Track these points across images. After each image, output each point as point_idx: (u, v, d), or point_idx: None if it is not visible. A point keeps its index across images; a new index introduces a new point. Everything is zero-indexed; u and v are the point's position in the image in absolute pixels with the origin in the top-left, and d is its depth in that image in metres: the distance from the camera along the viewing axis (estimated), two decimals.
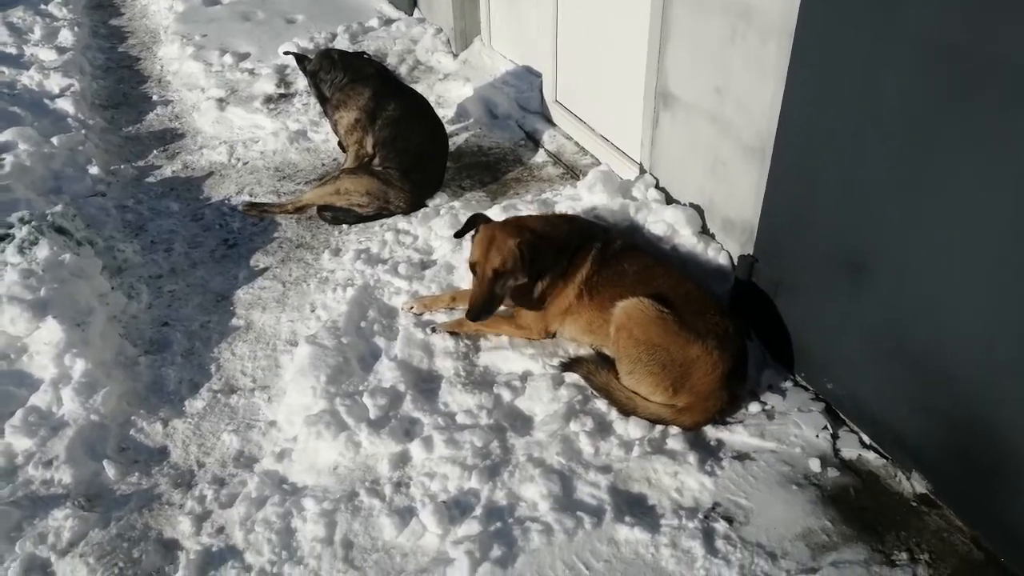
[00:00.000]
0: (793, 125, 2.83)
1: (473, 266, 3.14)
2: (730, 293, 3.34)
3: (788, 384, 3.13)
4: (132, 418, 3.12)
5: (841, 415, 2.97)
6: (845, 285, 2.80)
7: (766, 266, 3.17)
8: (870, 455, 2.83)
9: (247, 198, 4.61)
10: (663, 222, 3.53)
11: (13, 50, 6.24)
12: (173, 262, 4.08)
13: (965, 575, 2.42)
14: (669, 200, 3.73)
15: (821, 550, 2.50)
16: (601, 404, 3.00)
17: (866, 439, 2.88)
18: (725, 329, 2.91)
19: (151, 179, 4.86)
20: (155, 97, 5.91)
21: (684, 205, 3.61)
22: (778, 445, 2.86)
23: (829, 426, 2.91)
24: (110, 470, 2.87)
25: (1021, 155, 2.08)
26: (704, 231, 3.54)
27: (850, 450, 2.85)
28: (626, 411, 2.93)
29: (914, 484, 2.70)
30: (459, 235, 3.34)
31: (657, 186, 3.82)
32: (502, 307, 3.48)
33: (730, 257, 3.41)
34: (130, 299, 3.75)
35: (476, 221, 3.27)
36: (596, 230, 3.28)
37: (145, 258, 4.08)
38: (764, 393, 3.08)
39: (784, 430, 2.91)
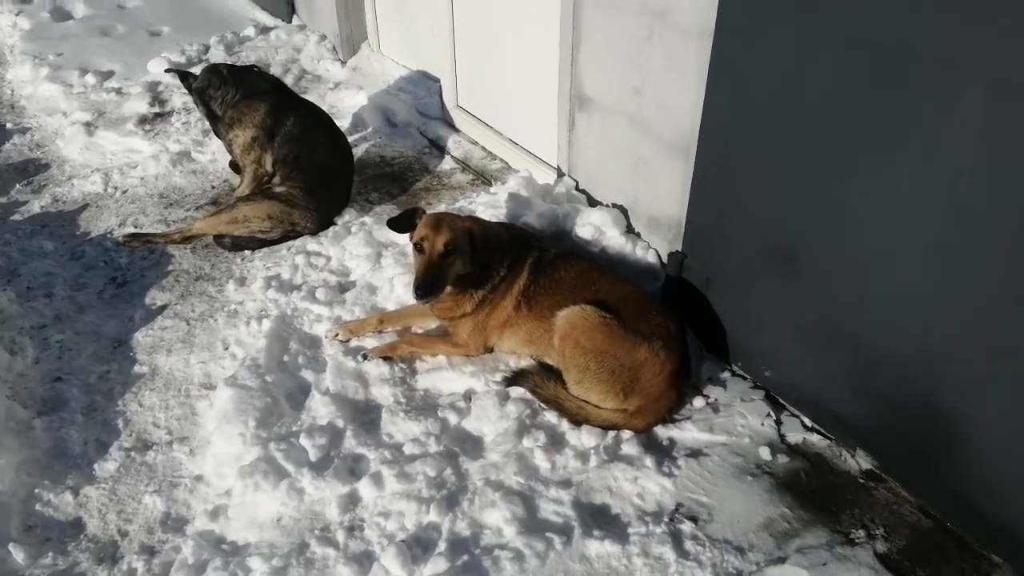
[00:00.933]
0: (716, 123, 2.87)
1: (419, 243, 2.93)
2: (662, 290, 3.36)
3: (727, 375, 3.18)
4: (36, 491, 2.79)
5: (781, 401, 3.05)
6: (776, 276, 2.86)
7: (696, 262, 3.20)
8: (814, 437, 2.92)
9: (132, 229, 4.23)
10: (590, 224, 3.50)
11: None
12: (56, 308, 3.68)
13: (918, 543, 2.53)
14: (592, 202, 3.72)
15: (784, 538, 2.55)
16: (551, 416, 2.94)
17: (808, 422, 2.96)
18: (668, 328, 2.92)
19: (17, 216, 4.38)
20: (9, 125, 5.32)
21: (608, 206, 3.60)
22: (728, 437, 2.90)
23: (772, 413, 2.98)
24: (18, 554, 2.55)
25: (944, 143, 2.17)
26: (630, 230, 3.55)
27: (795, 434, 2.93)
28: (578, 420, 2.88)
29: (859, 461, 2.80)
30: (396, 228, 3.11)
31: (578, 188, 3.79)
32: (433, 324, 3.37)
33: (658, 255, 3.44)
34: (13, 355, 3.34)
35: (415, 213, 3.07)
36: (531, 239, 3.21)
37: (23, 307, 3.65)
38: (706, 386, 3.11)
39: (731, 421, 2.95)
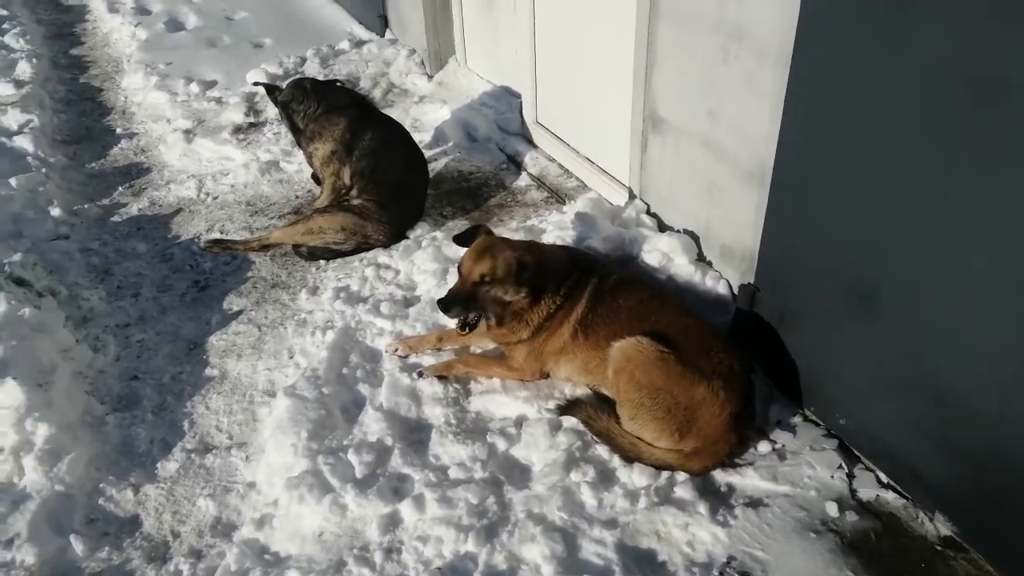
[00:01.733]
0: (793, 150, 2.69)
1: (460, 266, 2.99)
2: (731, 324, 3.19)
3: (798, 420, 2.97)
4: (101, 485, 2.90)
5: (856, 452, 2.82)
6: (855, 314, 2.65)
7: (769, 295, 3.02)
8: (889, 495, 2.68)
9: (218, 235, 4.40)
10: (657, 251, 3.37)
11: None
12: (141, 308, 3.86)
13: None
14: (662, 227, 3.58)
15: None
16: (602, 450, 2.83)
17: (883, 478, 2.73)
18: (731, 367, 2.75)
19: (116, 218, 4.64)
20: (119, 130, 5.67)
21: (678, 232, 3.46)
22: (792, 488, 2.70)
23: (844, 464, 2.76)
24: (78, 546, 2.66)
25: None
26: (700, 259, 3.39)
27: (868, 490, 2.70)
28: (630, 458, 2.76)
29: (938, 526, 2.55)
30: (461, 243, 3.15)
31: (648, 212, 3.66)
32: (491, 345, 3.32)
33: (729, 286, 3.26)
34: (96, 352, 3.52)
35: (479, 231, 3.12)
36: (593, 264, 3.11)
37: (112, 305, 3.85)
38: (773, 431, 2.92)
39: (797, 471, 2.76)
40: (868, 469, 2.77)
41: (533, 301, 2.96)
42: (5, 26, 7.11)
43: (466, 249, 3.06)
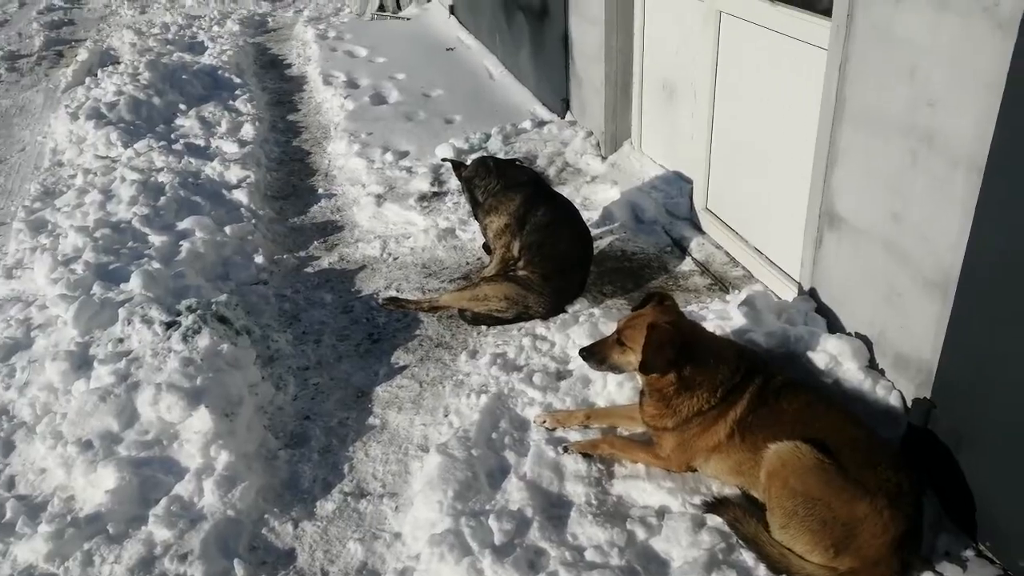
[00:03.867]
0: (983, 262, 2.53)
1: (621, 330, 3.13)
2: (902, 441, 2.97)
3: (969, 554, 2.70)
4: (265, 516, 3.16)
5: None
6: None
7: (946, 413, 2.80)
8: None
9: (394, 293, 4.73)
10: (825, 352, 3.23)
11: (201, 142, 6.89)
12: (320, 354, 4.21)
13: None
14: (832, 328, 3.43)
15: None
16: (748, 557, 2.71)
17: None
18: (899, 485, 2.57)
19: (309, 269, 5.11)
20: (320, 190, 6.29)
21: (850, 335, 3.30)
22: None
23: None
24: (239, 570, 2.89)
25: None
26: (872, 366, 3.21)
27: None
28: (778, 570, 2.62)
29: None
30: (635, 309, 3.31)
31: (818, 310, 3.53)
32: (639, 429, 3.29)
33: (902, 398, 3.06)
34: (278, 390, 3.88)
35: (653, 297, 3.25)
36: (758, 363, 3.03)
37: (295, 349, 4.24)
38: (940, 562, 2.67)
39: None
40: None
41: (683, 388, 2.93)
42: (238, 92, 8.16)
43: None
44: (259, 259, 5.01)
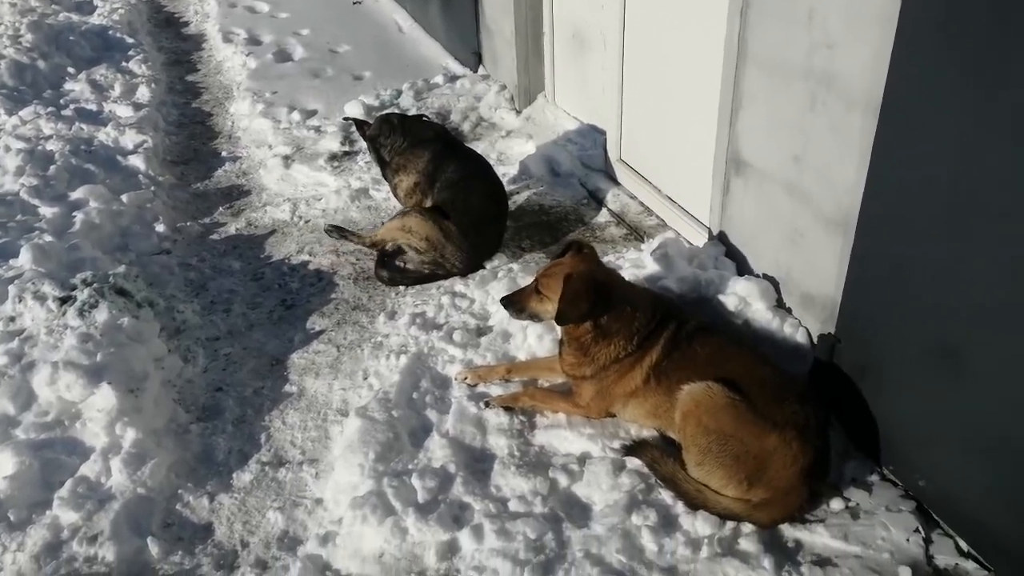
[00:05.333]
0: (879, 200, 2.62)
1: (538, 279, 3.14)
2: (809, 375, 3.09)
3: (875, 478, 2.85)
4: (179, 491, 3.05)
5: (935, 516, 2.68)
6: (942, 373, 2.54)
7: (850, 347, 2.92)
8: (969, 564, 2.53)
9: (306, 257, 4.59)
10: (735, 294, 3.31)
11: (93, 107, 6.45)
12: (231, 323, 4.06)
13: None
14: (741, 270, 3.52)
15: None
16: (666, 495, 2.78)
17: (964, 546, 2.58)
18: (806, 418, 2.67)
19: (215, 236, 4.90)
20: (224, 153, 6.01)
21: (758, 276, 3.39)
22: (864, 549, 2.59)
23: (921, 529, 2.63)
24: (154, 548, 2.79)
25: None
26: (779, 305, 3.31)
27: (945, 558, 2.56)
28: (694, 505, 2.70)
29: None
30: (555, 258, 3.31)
31: (728, 254, 3.61)
32: (559, 379, 3.32)
33: (809, 335, 3.17)
34: (186, 363, 3.72)
35: (572, 246, 3.23)
36: (672, 308, 3.08)
37: (204, 319, 4.07)
38: (848, 488, 2.81)
39: (870, 532, 2.63)
40: (947, 535, 2.62)
41: (600, 336, 2.95)
42: (131, 53, 7.66)
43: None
44: (160, 228, 4.77)
